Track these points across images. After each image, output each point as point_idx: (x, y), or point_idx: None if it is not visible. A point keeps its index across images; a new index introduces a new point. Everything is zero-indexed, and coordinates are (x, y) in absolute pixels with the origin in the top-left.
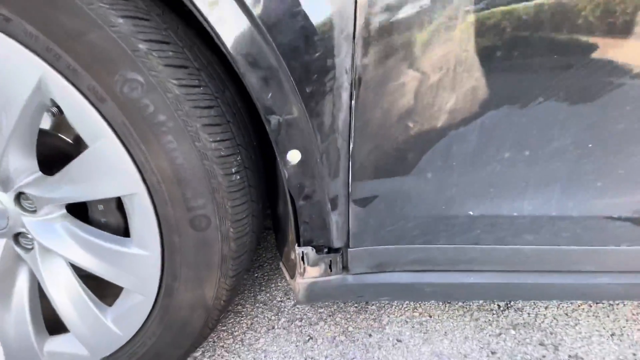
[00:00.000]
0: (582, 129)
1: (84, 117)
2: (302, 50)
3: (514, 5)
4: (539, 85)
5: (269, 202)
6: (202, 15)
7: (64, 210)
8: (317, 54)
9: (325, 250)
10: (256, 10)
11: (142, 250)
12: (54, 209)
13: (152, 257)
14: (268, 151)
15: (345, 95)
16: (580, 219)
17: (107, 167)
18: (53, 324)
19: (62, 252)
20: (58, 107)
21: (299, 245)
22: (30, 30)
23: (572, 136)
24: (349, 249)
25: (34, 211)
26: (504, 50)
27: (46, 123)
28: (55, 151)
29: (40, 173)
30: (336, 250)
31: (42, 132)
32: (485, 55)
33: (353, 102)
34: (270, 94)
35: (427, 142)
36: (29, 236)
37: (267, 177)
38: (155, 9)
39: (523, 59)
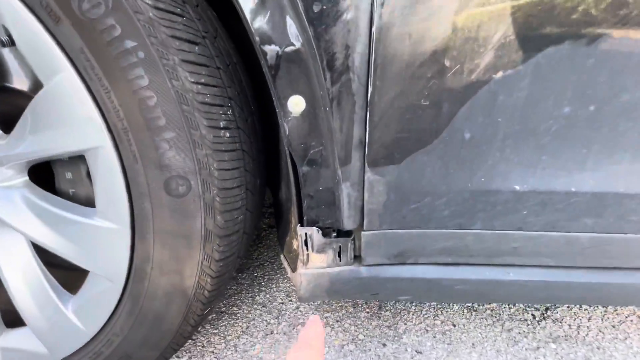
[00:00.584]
0: None
1: (36, 45)
2: None
3: None
4: (610, 17)
5: (271, 190)
6: None
7: (26, 177)
8: None
9: (334, 233)
10: None
11: (107, 222)
12: (13, 174)
13: (120, 231)
14: (272, 120)
15: (363, 20)
16: None
17: (63, 112)
18: (13, 316)
19: (18, 224)
20: (10, 36)
21: (301, 226)
22: None
23: None
24: (362, 232)
25: None
26: None
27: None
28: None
29: None
30: (347, 234)
31: (6, 90)
32: None
33: (374, 29)
34: (267, 15)
35: (467, 88)
36: None
37: (269, 155)
38: None
39: None
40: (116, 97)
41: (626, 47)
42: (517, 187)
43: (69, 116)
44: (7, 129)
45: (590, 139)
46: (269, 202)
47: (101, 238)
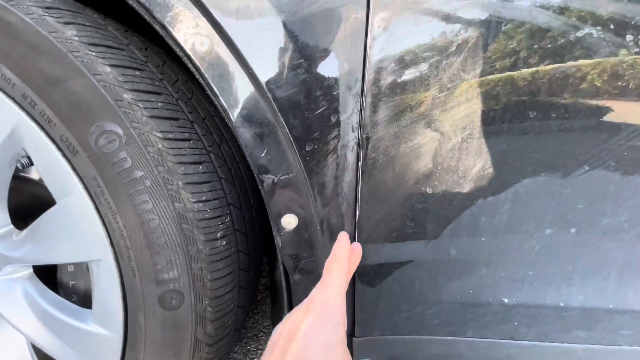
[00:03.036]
0: None
1: (53, 170)
2: (303, 105)
3: (552, 65)
4: (584, 152)
5: (268, 260)
6: (193, 65)
7: (30, 270)
8: (319, 110)
9: None
10: (253, 63)
11: (102, 329)
12: (18, 267)
13: (113, 338)
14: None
15: (351, 156)
16: None
17: (73, 228)
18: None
19: (14, 321)
20: (29, 157)
21: None
22: (8, 75)
23: (629, 212)
24: (354, 338)
25: None
26: (540, 111)
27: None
28: (36, 200)
29: (10, 227)
30: None
31: (23, 180)
32: (517, 116)
33: (360, 163)
34: (265, 152)
35: (450, 212)
36: None
37: (268, 234)
38: (155, 61)
39: (563, 120)
40: (121, 219)
41: (603, 179)
42: (506, 300)
43: (76, 231)
44: (20, 220)
45: (574, 257)
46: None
47: (94, 343)
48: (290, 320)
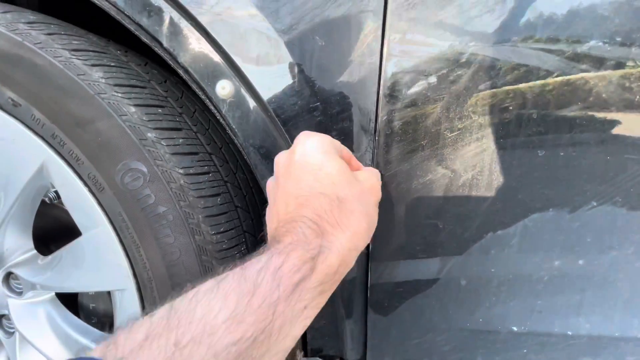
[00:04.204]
0: None
1: (80, 205)
2: None
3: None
4: (591, 188)
5: None
6: (215, 106)
7: (53, 294)
8: None
9: None
10: (271, 104)
11: None
12: (41, 292)
13: None
14: None
15: None
16: None
17: (97, 259)
18: None
19: (38, 344)
20: (56, 192)
21: (305, 356)
22: (38, 116)
23: (634, 245)
24: None
25: (20, 293)
26: (548, 150)
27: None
28: (60, 225)
29: (33, 252)
30: None
31: (48, 205)
32: (525, 153)
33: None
34: None
35: (460, 244)
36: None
37: None
38: (174, 94)
39: (570, 160)
40: (144, 252)
41: (610, 213)
42: (515, 329)
43: (101, 262)
44: (43, 246)
45: (582, 287)
46: None
47: None
48: (280, 161)
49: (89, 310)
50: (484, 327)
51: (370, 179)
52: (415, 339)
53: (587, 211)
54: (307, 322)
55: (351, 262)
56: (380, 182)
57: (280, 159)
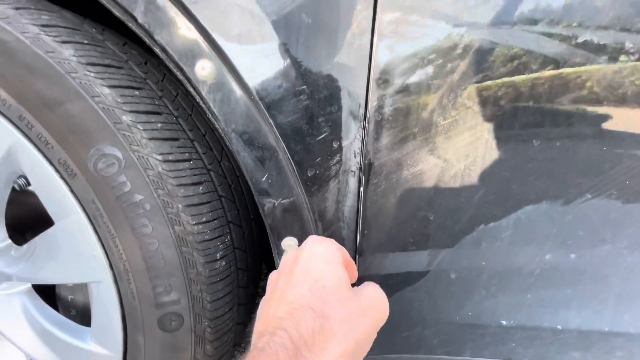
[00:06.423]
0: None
1: (51, 192)
2: (305, 131)
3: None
4: (586, 181)
5: (267, 268)
6: (194, 88)
7: (29, 285)
8: (321, 136)
9: None
10: (254, 87)
11: (101, 348)
12: (16, 283)
13: (112, 359)
14: None
15: (353, 181)
16: (638, 337)
17: (72, 249)
18: None
19: (13, 338)
20: (26, 178)
21: None
22: (3, 96)
23: (627, 239)
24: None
25: None
26: (542, 140)
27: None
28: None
29: (7, 242)
30: None
31: (24, 192)
32: (520, 144)
33: (362, 188)
34: (265, 176)
35: (450, 237)
36: None
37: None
38: (154, 77)
39: (566, 151)
40: (120, 242)
41: (604, 207)
42: (504, 322)
43: (74, 252)
44: (18, 235)
45: (574, 281)
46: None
47: None
48: (288, 260)
49: (67, 302)
50: (473, 320)
51: (372, 296)
52: (404, 332)
53: (580, 204)
54: None
55: None
56: (385, 299)
57: (289, 258)
